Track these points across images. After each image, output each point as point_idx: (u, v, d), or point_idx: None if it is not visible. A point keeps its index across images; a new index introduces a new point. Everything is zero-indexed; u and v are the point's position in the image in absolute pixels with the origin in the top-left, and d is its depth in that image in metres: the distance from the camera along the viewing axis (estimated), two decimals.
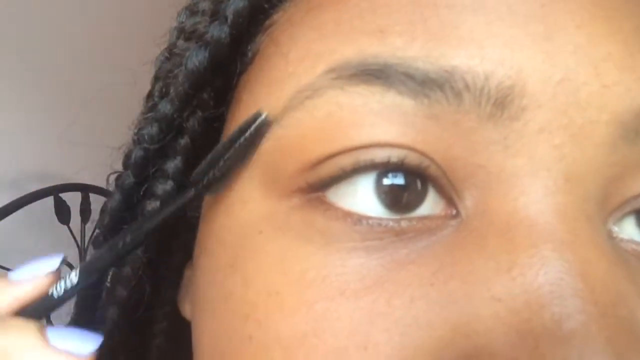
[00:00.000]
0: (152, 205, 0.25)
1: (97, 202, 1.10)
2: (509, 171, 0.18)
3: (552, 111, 0.18)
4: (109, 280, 0.27)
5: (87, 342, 0.22)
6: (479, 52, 0.18)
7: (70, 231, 1.05)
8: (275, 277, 0.19)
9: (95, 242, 0.28)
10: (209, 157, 0.21)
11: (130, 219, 0.26)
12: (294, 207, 0.20)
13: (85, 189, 1.05)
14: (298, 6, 0.22)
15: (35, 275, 0.24)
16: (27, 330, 0.21)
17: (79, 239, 1.07)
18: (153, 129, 0.25)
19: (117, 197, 0.26)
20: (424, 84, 0.18)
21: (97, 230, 0.28)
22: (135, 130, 0.26)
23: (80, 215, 1.06)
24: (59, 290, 0.23)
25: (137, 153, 0.25)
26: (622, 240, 0.19)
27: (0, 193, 1.03)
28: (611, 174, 0.18)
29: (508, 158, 0.18)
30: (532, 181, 0.18)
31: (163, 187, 0.25)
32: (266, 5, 0.23)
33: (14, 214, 0.94)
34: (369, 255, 0.18)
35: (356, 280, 0.18)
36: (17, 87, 1.15)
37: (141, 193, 0.26)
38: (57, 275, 0.24)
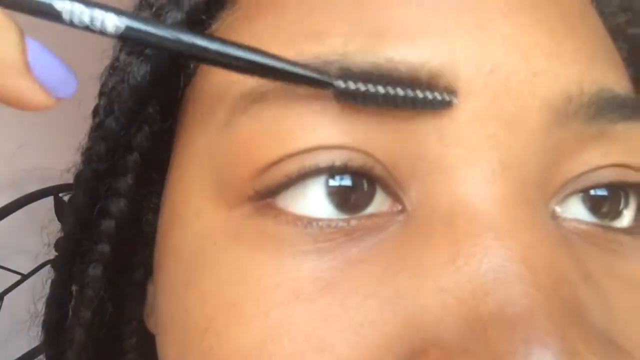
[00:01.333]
0: (108, 224, 0.25)
1: None
2: (447, 162, 0.18)
3: (484, 100, 0.18)
4: (72, 302, 0.27)
5: (69, 80, 0.19)
6: (412, 43, 0.18)
7: None
8: (232, 288, 0.19)
9: (55, 265, 0.28)
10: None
11: (86, 240, 0.26)
12: (245, 215, 0.19)
13: None
14: (235, 15, 0.22)
15: None
16: (6, 38, 0.17)
17: None
18: (101, 148, 0.24)
19: (70, 220, 0.26)
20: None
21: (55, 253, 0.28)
22: (83, 150, 0.26)
23: None
24: (74, 15, 0.17)
25: (86, 173, 0.25)
26: (564, 219, 0.20)
27: (0, 193, 1.03)
28: (548, 158, 0.19)
29: (445, 148, 0.18)
30: (470, 170, 0.18)
31: (116, 205, 0.25)
32: (204, 17, 0.23)
33: (14, 214, 0.94)
34: (321, 258, 0.18)
35: (310, 283, 0.18)
36: None
37: (95, 213, 0.25)
38: None
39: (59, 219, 1.09)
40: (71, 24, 0.17)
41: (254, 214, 0.19)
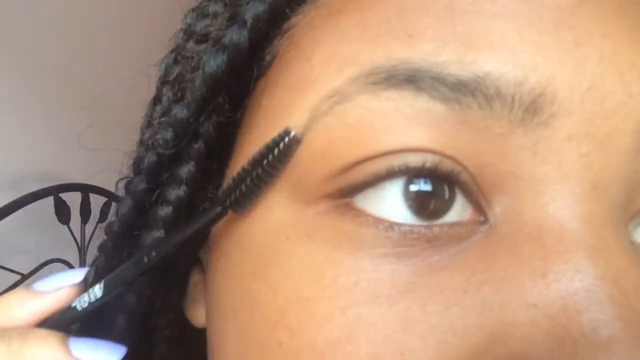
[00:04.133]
0: (165, 211, 0.25)
1: (97, 202, 1.10)
2: (538, 178, 0.18)
3: (580, 119, 0.18)
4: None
5: (112, 353, 0.22)
6: (510, 58, 0.18)
7: (70, 231, 1.05)
8: (305, 283, 0.19)
9: (103, 248, 0.28)
10: (237, 175, 0.21)
11: (141, 225, 0.26)
12: (321, 213, 0.19)
13: (85, 189, 1.05)
14: (319, 10, 0.22)
15: (59, 287, 0.24)
16: (50, 341, 0.21)
17: (79, 239, 1.07)
18: (168, 134, 0.24)
19: (128, 202, 0.26)
20: (456, 90, 0.18)
21: (105, 236, 0.28)
22: (148, 135, 0.26)
23: (80, 215, 1.06)
24: (82, 302, 0.23)
25: (151, 158, 0.25)
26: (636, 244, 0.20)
27: (0, 193, 1.03)
28: (634, 181, 0.19)
29: (537, 164, 0.18)
30: (560, 188, 0.18)
31: (176, 192, 0.25)
32: (287, 10, 0.23)
33: (14, 214, 0.94)
34: (401, 262, 0.18)
35: (389, 286, 0.18)
36: (17, 88, 1.15)
37: (153, 199, 0.25)
38: (82, 287, 0.24)
39: (59, 219, 1.08)
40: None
41: (331, 212, 0.19)
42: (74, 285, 0.24)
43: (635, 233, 0.20)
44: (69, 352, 0.21)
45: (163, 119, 0.25)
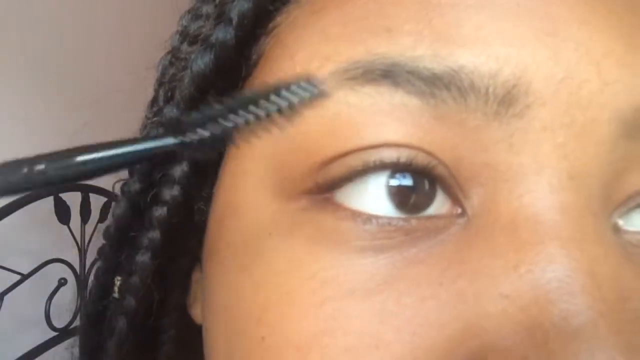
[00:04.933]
0: (160, 211, 0.25)
1: (97, 202, 1.10)
2: (514, 169, 0.18)
3: (555, 109, 0.18)
4: (116, 290, 0.27)
5: None
6: (484, 50, 0.18)
7: (70, 231, 1.05)
8: (286, 278, 0.19)
9: (102, 252, 0.28)
10: (218, 107, 0.17)
11: (137, 227, 0.26)
12: (302, 208, 0.20)
13: (85, 189, 1.05)
14: (302, 8, 0.22)
15: None
16: None
17: (79, 239, 1.07)
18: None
19: (123, 204, 0.26)
20: (431, 84, 0.18)
21: (103, 239, 0.28)
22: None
23: (80, 215, 1.06)
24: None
25: None
26: (626, 232, 0.20)
27: None
28: (614, 170, 0.19)
29: (513, 156, 0.18)
30: (537, 179, 0.18)
31: (170, 192, 0.25)
32: (270, 7, 0.23)
33: (14, 214, 0.94)
34: (378, 255, 0.18)
35: (366, 279, 0.18)
36: (17, 88, 1.15)
37: (148, 200, 0.25)
38: None
39: (59, 219, 1.08)
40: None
41: (312, 207, 0.19)
42: None
43: (622, 221, 0.20)
44: None
45: (155, 119, 0.25)
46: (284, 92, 0.17)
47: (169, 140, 0.17)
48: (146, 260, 0.26)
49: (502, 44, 0.18)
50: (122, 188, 0.27)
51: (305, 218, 0.19)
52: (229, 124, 0.17)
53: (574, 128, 0.18)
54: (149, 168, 0.25)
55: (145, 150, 0.17)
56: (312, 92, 0.17)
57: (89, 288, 0.28)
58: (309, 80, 0.17)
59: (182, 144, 0.17)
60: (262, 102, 0.17)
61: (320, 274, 0.18)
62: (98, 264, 0.28)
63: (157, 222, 0.25)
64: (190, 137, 0.17)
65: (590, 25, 0.19)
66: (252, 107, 0.17)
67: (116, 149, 0.17)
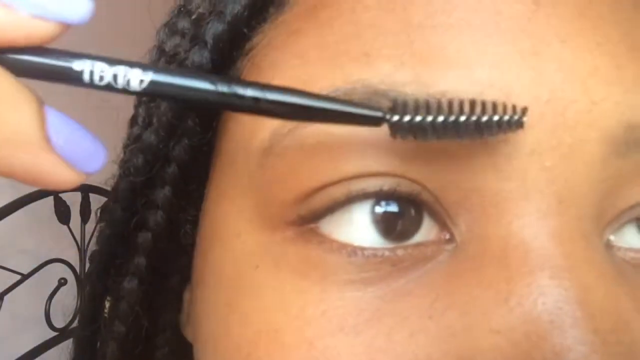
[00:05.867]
0: (144, 237, 0.25)
1: (97, 202, 1.10)
2: (501, 195, 0.18)
3: (541, 132, 0.18)
4: (106, 313, 0.27)
5: (97, 151, 0.17)
6: (466, 74, 0.18)
7: (70, 231, 1.05)
8: (274, 314, 0.19)
9: (90, 279, 0.27)
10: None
11: (121, 253, 0.26)
12: (288, 239, 0.19)
13: (85, 189, 1.05)
14: (278, 29, 0.22)
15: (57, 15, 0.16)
16: (22, 109, 0.16)
17: (79, 239, 1.07)
18: (139, 161, 0.24)
19: (107, 231, 0.26)
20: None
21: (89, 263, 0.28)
22: (121, 162, 0.25)
23: (80, 215, 1.06)
24: (94, 74, 0.16)
25: (124, 185, 0.25)
26: (619, 249, 0.19)
27: (0, 193, 1.03)
28: (604, 189, 0.18)
29: (500, 181, 0.18)
30: (525, 204, 0.18)
31: (154, 218, 0.24)
32: (245, 30, 0.22)
33: (14, 214, 0.94)
34: (366, 288, 0.18)
35: (355, 314, 0.18)
36: None
37: (132, 226, 0.25)
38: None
39: (59, 219, 1.08)
40: (91, 84, 0.16)
41: (297, 238, 0.19)
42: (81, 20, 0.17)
43: (614, 237, 0.19)
44: (45, 137, 0.16)
45: (134, 145, 0.24)
46: (491, 117, 0.17)
47: (378, 113, 0.17)
48: (133, 287, 0.25)
49: (484, 66, 0.18)
50: (102, 214, 0.26)
51: (291, 250, 0.19)
52: (439, 120, 0.17)
53: (561, 150, 0.18)
54: (130, 194, 0.25)
55: (354, 114, 0.17)
56: (513, 121, 0.17)
57: (78, 314, 0.29)
58: (515, 109, 0.17)
59: (393, 123, 0.17)
60: (471, 114, 0.17)
61: (308, 309, 0.18)
62: (87, 289, 0.28)
63: (142, 248, 0.25)
64: (403, 118, 0.17)
65: (574, 43, 0.18)
66: (461, 116, 0.17)
67: (332, 103, 0.17)
